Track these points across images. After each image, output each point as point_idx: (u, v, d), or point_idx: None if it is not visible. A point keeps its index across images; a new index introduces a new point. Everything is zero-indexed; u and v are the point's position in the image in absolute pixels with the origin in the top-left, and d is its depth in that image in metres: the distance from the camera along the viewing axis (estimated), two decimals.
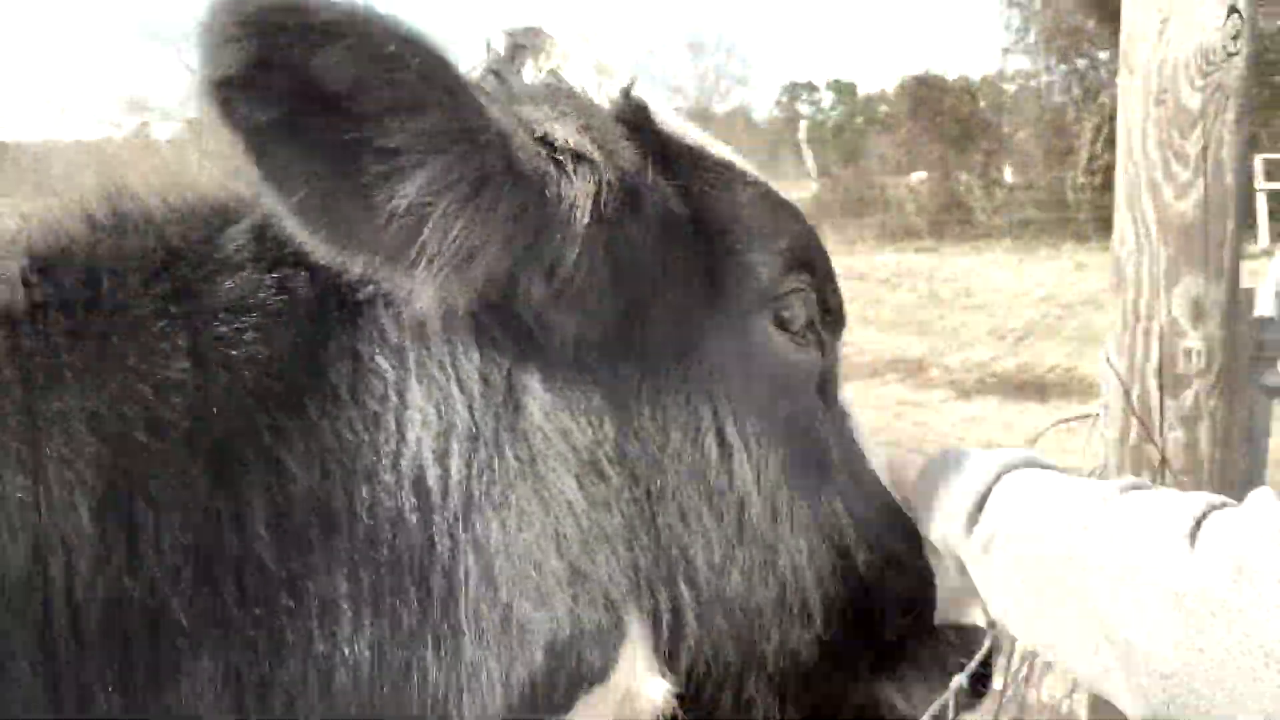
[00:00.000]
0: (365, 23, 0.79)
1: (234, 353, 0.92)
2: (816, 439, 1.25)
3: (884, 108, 37.02)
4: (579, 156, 1.00)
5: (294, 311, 0.97)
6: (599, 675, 1.07)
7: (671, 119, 1.23)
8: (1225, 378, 1.90)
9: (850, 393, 1.39)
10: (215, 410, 0.90)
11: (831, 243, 1.42)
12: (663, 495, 1.10)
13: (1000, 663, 1.42)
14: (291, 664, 0.90)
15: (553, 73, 1.15)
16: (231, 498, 0.89)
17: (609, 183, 1.02)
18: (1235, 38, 1.78)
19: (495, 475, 1.01)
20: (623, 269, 1.06)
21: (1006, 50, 27.11)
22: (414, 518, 0.97)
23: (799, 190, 25.37)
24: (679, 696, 1.14)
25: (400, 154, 0.85)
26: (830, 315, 1.31)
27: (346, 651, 0.92)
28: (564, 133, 1.00)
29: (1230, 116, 1.80)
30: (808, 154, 37.51)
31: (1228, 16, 1.77)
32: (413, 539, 0.97)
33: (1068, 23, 24.61)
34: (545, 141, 0.99)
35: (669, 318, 1.13)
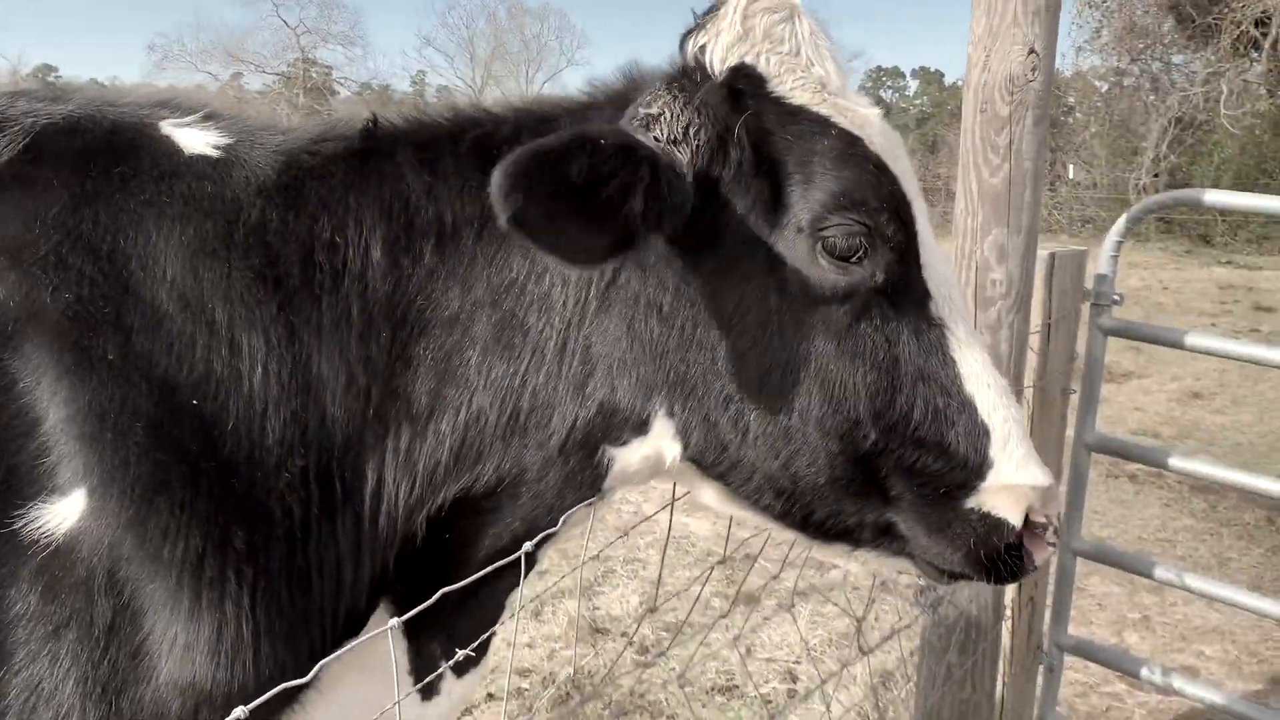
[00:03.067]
0: (578, 141, 1.51)
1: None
2: (861, 333, 1.68)
3: None
4: (684, 132, 1.66)
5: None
6: (636, 429, 1.75)
7: (795, 84, 1.73)
8: (1019, 301, 2.78)
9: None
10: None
11: None
12: (701, 343, 1.68)
13: None
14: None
15: (700, 49, 1.74)
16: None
17: (702, 143, 1.65)
18: (1034, 70, 2.65)
19: (601, 303, 1.72)
20: (710, 197, 1.65)
21: (1079, 49, 27.26)
22: (545, 326, 1.72)
23: None
24: (692, 460, 1.77)
25: (607, 195, 1.53)
26: (892, 246, 1.69)
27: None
28: (673, 118, 1.66)
29: (1029, 122, 2.68)
30: None
31: (1028, 55, 2.64)
32: (558, 336, 1.72)
33: (1140, 24, 24.71)
34: (658, 122, 1.66)
35: (741, 232, 1.67)
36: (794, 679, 4.74)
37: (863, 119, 1.75)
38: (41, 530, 1.49)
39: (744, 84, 1.71)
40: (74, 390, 1.52)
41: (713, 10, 1.79)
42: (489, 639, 2.00)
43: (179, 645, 1.52)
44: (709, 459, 1.76)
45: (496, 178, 1.41)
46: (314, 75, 52.62)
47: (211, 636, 1.53)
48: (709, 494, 1.86)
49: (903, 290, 1.72)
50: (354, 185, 1.74)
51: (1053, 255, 3.10)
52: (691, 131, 1.66)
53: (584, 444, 1.77)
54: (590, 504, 1.84)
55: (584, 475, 1.80)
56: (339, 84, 54.97)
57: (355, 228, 1.72)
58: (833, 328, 1.68)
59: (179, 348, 1.59)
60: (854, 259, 1.66)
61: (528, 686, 4.35)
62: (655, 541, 6.31)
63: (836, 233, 1.65)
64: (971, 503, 1.76)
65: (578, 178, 1.49)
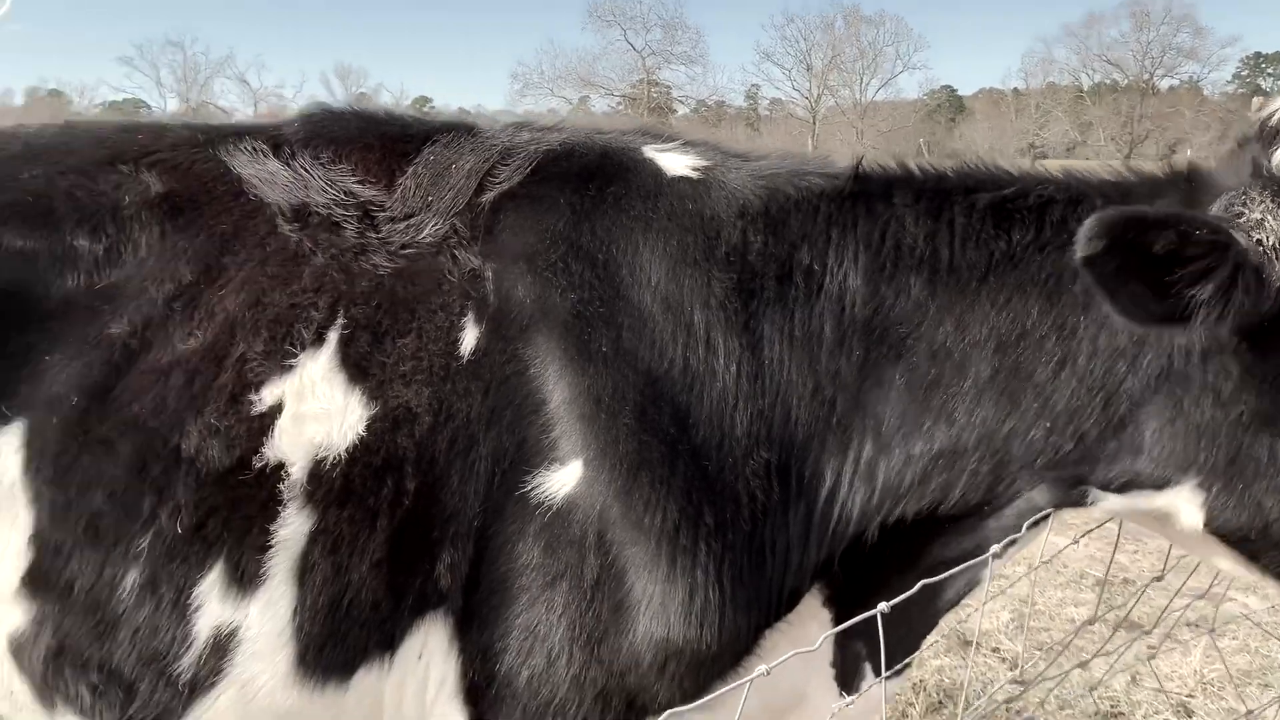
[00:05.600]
0: (1176, 219, 1.53)
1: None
2: None
3: None
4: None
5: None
6: (1151, 488, 1.76)
7: None
8: None
9: None
10: None
11: None
12: (1259, 432, 1.66)
13: None
14: None
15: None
16: None
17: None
18: None
19: (1136, 373, 1.72)
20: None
21: None
22: (1059, 383, 1.75)
23: None
24: (1218, 534, 1.75)
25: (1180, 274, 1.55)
26: None
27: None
28: (1262, 220, 1.60)
29: None
30: None
31: None
32: (1076, 397, 1.74)
33: None
34: (1260, 228, 1.59)
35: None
36: (1189, 713, 4.37)
37: None
38: (545, 494, 1.76)
39: None
40: (575, 377, 1.79)
41: None
42: (916, 649, 2.07)
43: (655, 603, 1.73)
44: (1241, 536, 1.74)
45: (1091, 221, 1.50)
46: (655, 95, 55.41)
47: (685, 598, 1.73)
48: (1224, 561, 1.84)
49: None
50: (836, 221, 1.89)
51: None
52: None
53: (1072, 485, 1.81)
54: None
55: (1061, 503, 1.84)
56: (679, 102, 57.44)
57: (836, 257, 1.87)
58: None
59: (661, 344, 1.81)
60: None
61: (898, 692, 4.37)
62: (1021, 559, 6.06)
63: None
64: None
65: (1160, 249, 1.53)
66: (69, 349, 1.81)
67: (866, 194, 1.92)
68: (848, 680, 2.01)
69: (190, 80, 58.51)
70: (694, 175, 1.98)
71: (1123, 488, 1.77)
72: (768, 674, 1.44)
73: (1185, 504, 1.75)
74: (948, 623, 4.92)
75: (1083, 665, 4.51)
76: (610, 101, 55.04)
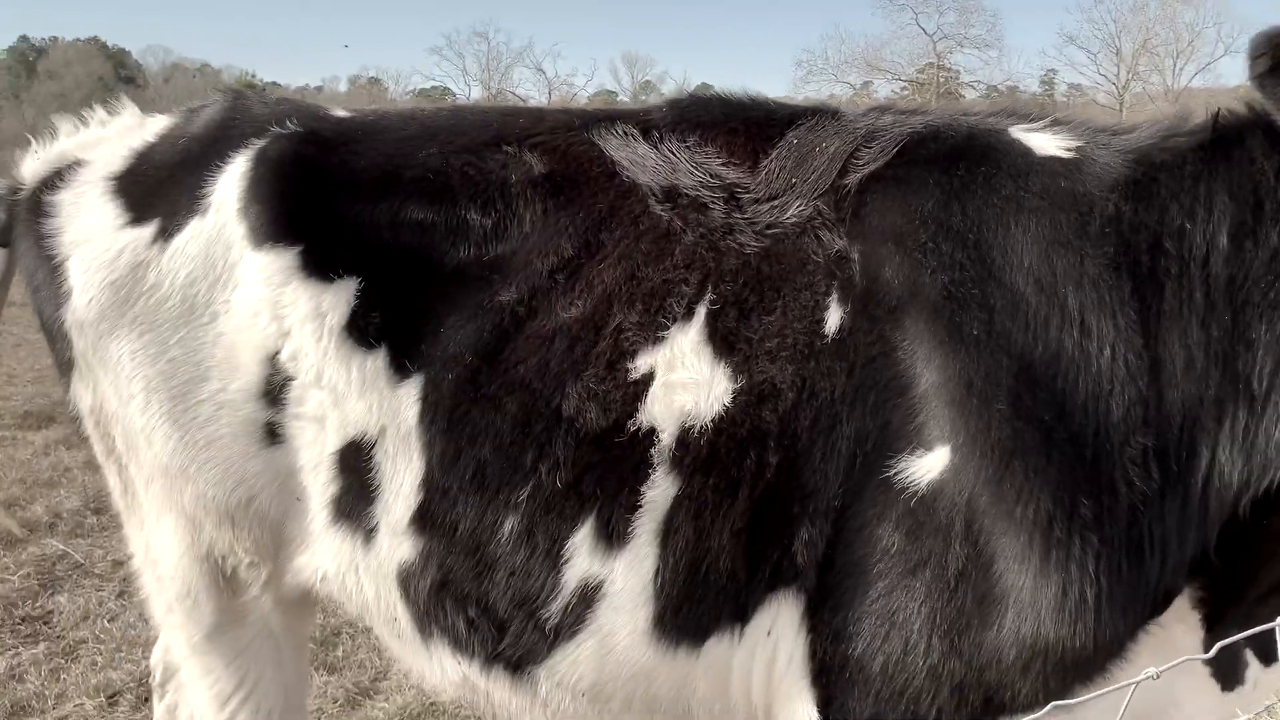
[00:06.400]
0: None
1: None
2: None
3: None
4: None
5: None
6: None
7: None
8: None
9: None
10: None
11: None
12: None
13: None
14: None
15: None
16: None
17: None
18: None
19: None
20: None
21: None
22: None
23: None
24: None
25: None
26: None
27: None
28: None
29: None
30: None
31: None
32: None
33: None
34: None
35: None
36: None
37: None
38: (910, 479, 1.74)
39: None
40: (946, 360, 1.75)
41: None
42: None
43: (1024, 598, 1.68)
44: None
45: (1251, 41, 1.52)
46: (943, 79, 53.15)
47: (1057, 595, 1.66)
48: None
49: None
50: (1203, 175, 1.77)
51: None
52: None
53: None
54: None
55: None
56: (969, 87, 54.84)
57: (1205, 213, 1.75)
58: None
59: (1035, 328, 1.75)
60: None
61: None
62: None
63: None
64: None
65: None
66: (463, 313, 2.00)
67: (1227, 140, 1.79)
68: (1228, 676, 1.87)
69: (492, 69, 62.55)
70: (1066, 154, 1.91)
71: None
72: (1157, 678, 1.36)
73: None
74: None
75: None
76: (895, 86, 53.45)
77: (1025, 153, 1.92)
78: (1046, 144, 1.94)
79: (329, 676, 4.32)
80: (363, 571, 2.12)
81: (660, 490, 1.85)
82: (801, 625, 1.84)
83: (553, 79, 61.55)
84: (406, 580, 2.07)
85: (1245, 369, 1.69)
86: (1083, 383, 1.72)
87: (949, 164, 1.92)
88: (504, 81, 61.05)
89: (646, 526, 1.86)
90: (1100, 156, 1.88)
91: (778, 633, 1.87)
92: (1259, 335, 1.68)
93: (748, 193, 2.01)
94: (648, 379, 1.88)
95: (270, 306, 2.07)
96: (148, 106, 2.55)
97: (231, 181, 2.14)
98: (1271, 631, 1.53)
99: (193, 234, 2.14)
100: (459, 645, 2.07)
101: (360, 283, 2.05)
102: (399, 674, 4.26)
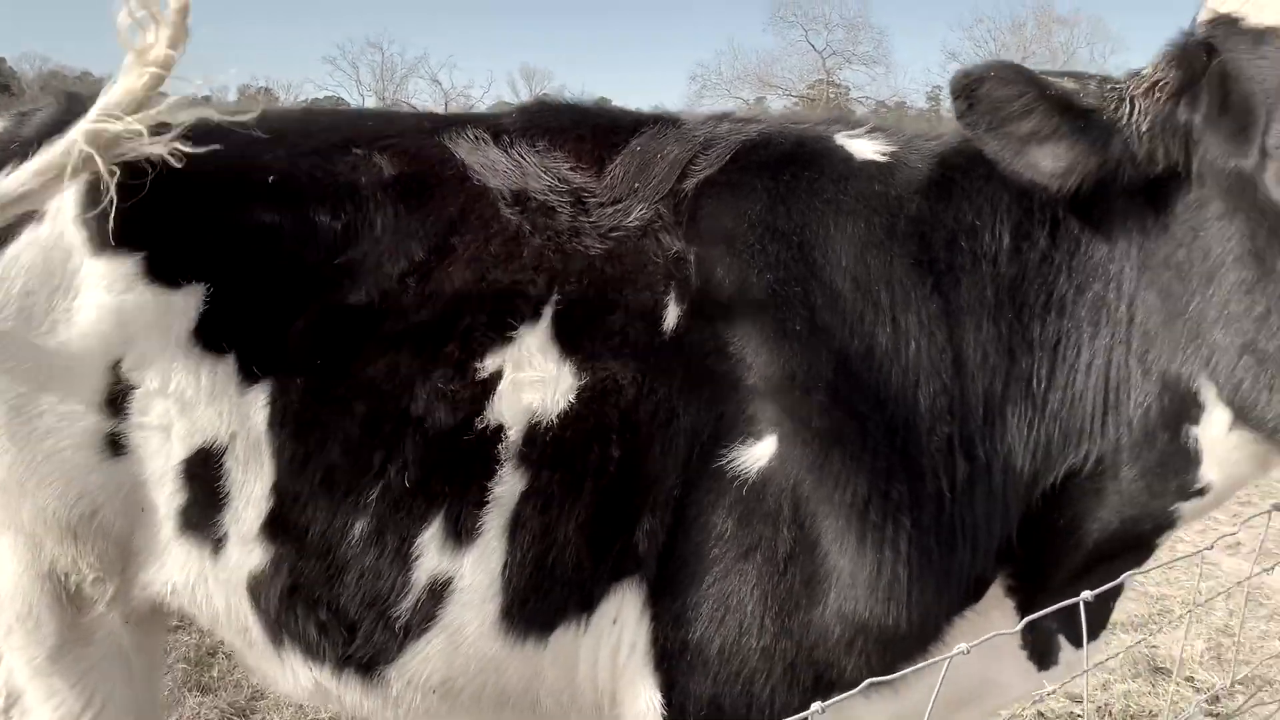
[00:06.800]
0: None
1: None
2: None
3: None
4: (1151, 87, 1.68)
5: None
6: (1196, 405, 1.75)
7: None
8: None
9: None
10: None
11: None
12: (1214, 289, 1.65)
13: None
14: None
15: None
16: None
17: (1173, 91, 1.66)
18: None
19: (1140, 271, 1.76)
20: (1179, 136, 1.66)
21: None
22: (1117, 303, 1.79)
23: None
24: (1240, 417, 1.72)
25: None
26: None
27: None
28: (1146, 79, 1.68)
29: None
30: None
31: None
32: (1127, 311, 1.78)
33: None
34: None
35: (1212, 160, 1.64)
36: None
37: None
38: (741, 468, 1.82)
39: (1218, 29, 1.64)
40: (772, 355, 1.84)
41: None
42: (1106, 617, 2.08)
43: (844, 579, 1.77)
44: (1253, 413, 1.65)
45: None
46: (833, 95, 54.58)
47: (872, 574, 1.76)
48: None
49: None
50: (992, 175, 1.87)
51: None
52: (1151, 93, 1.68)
53: (1165, 424, 1.77)
54: (1194, 499, 1.82)
55: (1176, 459, 1.78)
56: (858, 103, 56.38)
57: (990, 212, 1.88)
58: None
59: (851, 323, 1.86)
60: None
61: (1079, 713, 4.20)
62: (1216, 586, 5.70)
63: None
64: None
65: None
66: (313, 317, 2.00)
67: None
68: (1044, 657, 2.00)
69: (387, 79, 61.62)
70: (881, 159, 2.02)
71: (1189, 413, 1.76)
72: (968, 653, 1.45)
73: (1215, 409, 1.73)
74: (1137, 648, 4.68)
75: None
76: (787, 102, 54.63)
77: (846, 158, 2.03)
78: (865, 149, 2.05)
79: (203, 697, 4.20)
80: (213, 582, 2.09)
81: (508, 486, 1.89)
82: (644, 612, 1.90)
83: (449, 90, 61.01)
84: (257, 588, 2.05)
85: (1027, 369, 1.82)
86: (894, 375, 1.82)
87: (777, 169, 2.01)
88: (399, 92, 60.21)
89: (494, 522, 1.89)
90: (911, 160, 2.00)
91: (622, 621, 1.92)
92: (1036, 337, 1.82)
93: (593, 197, 2.07)
94: (496, 378, 1.91)
95: (112, 314, 2.02)
96: None
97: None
98: (1076, 609, 1.65)
99: (29, 241, 2.07)
100: (310, 650, 2.06)
101: (207, 288, 2.02)
102: (276, 693, 4.17)
